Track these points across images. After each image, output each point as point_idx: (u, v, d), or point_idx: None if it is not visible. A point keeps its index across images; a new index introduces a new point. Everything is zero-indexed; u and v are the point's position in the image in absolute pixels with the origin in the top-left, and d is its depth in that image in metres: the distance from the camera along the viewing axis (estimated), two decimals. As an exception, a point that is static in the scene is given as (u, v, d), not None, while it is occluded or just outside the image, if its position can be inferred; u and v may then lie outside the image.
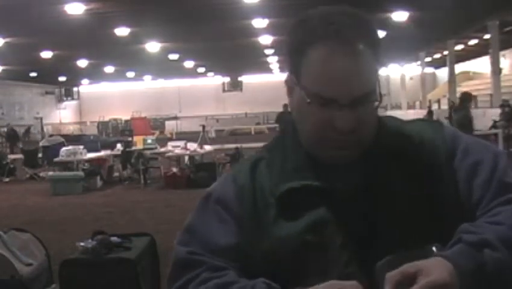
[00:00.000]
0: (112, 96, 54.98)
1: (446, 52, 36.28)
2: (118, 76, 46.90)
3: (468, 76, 43.98)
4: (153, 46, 29.67)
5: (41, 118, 47.06)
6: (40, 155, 16.37)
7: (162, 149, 15.42)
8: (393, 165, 1.06)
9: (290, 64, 1.09)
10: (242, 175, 1.12)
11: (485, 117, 24.94)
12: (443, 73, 47.43)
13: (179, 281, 1.07)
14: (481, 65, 40.28)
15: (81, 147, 14.49)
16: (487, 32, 28.57)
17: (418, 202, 1.05)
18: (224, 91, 54.51)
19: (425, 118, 1.22)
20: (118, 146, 15.56)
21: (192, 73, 47.09)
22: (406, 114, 37.35)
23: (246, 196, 1.09)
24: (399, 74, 48.42)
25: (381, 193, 1.04)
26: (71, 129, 46.02)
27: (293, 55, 1.07)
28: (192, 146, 14.60)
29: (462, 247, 0.95)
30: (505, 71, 34.69)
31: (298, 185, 1.05)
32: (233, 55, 34.97)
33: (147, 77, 51.57)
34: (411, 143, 1.10)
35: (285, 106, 18.35)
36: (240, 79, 52.56)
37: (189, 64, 40.68)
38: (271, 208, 1.07)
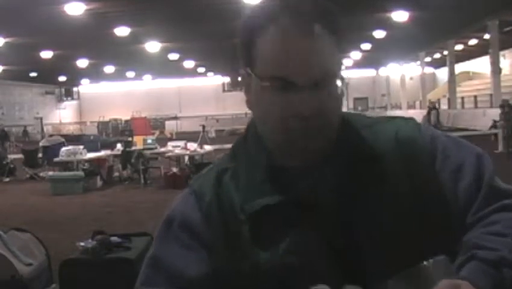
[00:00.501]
0: (112, 96, 54.98)
1: (446, 52, 36.30)
2: (118, 76, 46.91)
3: (468, 76, 44.00)
4: (153, 46, 29.67)
5: (41, 118, 47.06)
6: (40, 155, 16.36)
7: (162, 149, 15.41)
8: (373, 168, 0.97)
9: (244, 56, 1.00)
10: (206, 192, 1.00)
11: (485, 117, 24.96)
12: (442, 73, 47.44)
13: None
14: (481, 65, 40.28)
15: (81, 147, 14.48)
16: (486, 32, 28.58)
17: (403, 208, 0.96)
18: (224, 91, 54.52)
19: (399, 116, 1.11)
20: (118, 146, 15.55)
21: (192, 73, 47.11)
22: (406, 114, 37.34)
23: (214, 217, 0.98)
24: (399, 74, 48.44)
25: (362, 200, 0.95)
26: (71, 129, 46.02)
27: (246, 45, 0.98)
28: (192, 146, 14.59)
29: (479, 265, 0.88)
30: (505, 71, 34.68)
31: (274, 202, 0.94)
32: (233, 54, 34.96)
33: (147, 77, 51.58)
34: (389, 143, 1.01)
35: None
36: (240, 79, 52.52)
37: (189, 64, 40.69)
38: (244, 227, 0.95)
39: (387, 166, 0.98)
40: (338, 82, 0.97)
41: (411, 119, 1.09)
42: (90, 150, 14.77)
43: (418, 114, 31.66)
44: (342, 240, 0.94)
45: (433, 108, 31.53)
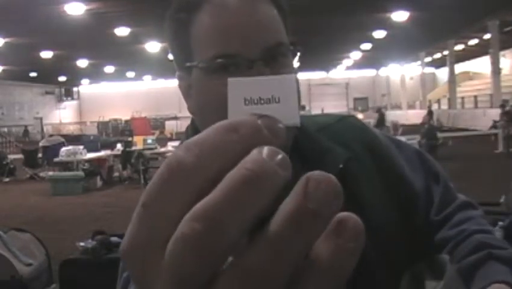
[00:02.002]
0: (112, 96, 54.99)
1: (446, 52, 36.29)
2: (118, 76, 46.91)
3: (468, 76, 44.00)
4: (153, 46, 29.68)
5: (41, 118, 47.04)
6: (40, 155, 16.36)
7: (162, 149, 15.41)
8: (342, 172, 0.90)
9: (181, 47, 0.87)
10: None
11: (485, 117, 24.96)
12: (443, 73, 47.45)
13: None
14: (481, 65, 40.29)
15: (81, 147, 14.48)
16: (487, 32, 28.58)
17: (378, 206, 0.93)
18: (224, 91, 54.49)
19: (343, 115, 1.05)
20: (118, 146, 15.55)
21: (192, 73, 47.12)
22: (407, 114, 37.41)
23: None
24: (399, 74, 48.44)
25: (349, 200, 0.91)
26: (71, 129, 46.01)
27: (181, 31, 0.86)
28: (192, 146, 14.60)
29: (500, 265, 0.86)
30: (505, 71, 34.69)
31: None
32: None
33: (147, 77, 51.58)
34: (351, 142, 0.95)
35: None
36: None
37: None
38: None
39: (353, 171, 0.92)
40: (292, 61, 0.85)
41: (356, 117, 1.05)
42: (90, 150, 14.77)
43: (418, 114, 31.69)
44: None
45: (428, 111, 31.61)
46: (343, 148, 0.93)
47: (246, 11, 0.82)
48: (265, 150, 0.27)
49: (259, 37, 0.81)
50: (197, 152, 0.28)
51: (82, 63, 36.47)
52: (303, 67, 39.21)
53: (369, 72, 52.22)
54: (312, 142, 0.92)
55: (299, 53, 0.86)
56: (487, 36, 29.02)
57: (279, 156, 0.27)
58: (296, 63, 0.86)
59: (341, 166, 0.90)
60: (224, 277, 0.27)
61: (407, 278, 0.87)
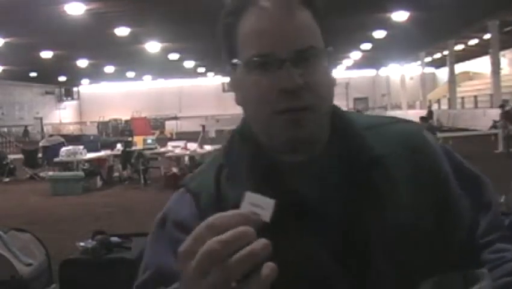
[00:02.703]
0: (112, 96, 54.99)
1: (446, 52, 36.30)
2: (118, 76, 46.91)
3: (468, 76, 44.01)
4: (153, 46, 29.67)
5: (41, 118, 47.05)
6: (40, 155, 16.36)
7: (162, 149, 15.41)
8: (370, 171, 0.94)
9: (227, 46, 0.97)
10: (203, 190, 0.98)
11: (485, 117, 24.97)
12: (443, 73, 47.46)
13: None
14: (481, 65, 40.29)
15: (81, 147, 14.48)
16: (487, 32, 28.58)
17: (401, 218, 0.93)
18: (224, 91, 54.51)
19: (403, 119, 1.08)
20: (118, 146, 15.55)
21: (192, 73, 47.10)
22: (406, 114, 37.39)
23: (210, 214, 0.86)
24: (399, 74, 48.44)
25: (360, 200, 0.92)
26: (71, 129, 46.01)
27: (228, 32, 0.97)
28: (192, 146, 14.58)
29: None
30: (505, 71, 34.69)
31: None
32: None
33: (147, 77, 51.59)
34: (396, 147, 0.97)
35: None
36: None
37: (189, 64, 40.69)
38: None
39: (389, 171, 0.94)
40: (326, 62, 0.94)
41: (415, 122, 1.07)
42: (90, 150, 14.77)
43: (418, 114, 31.66)
44: (336, 241, 0.91)
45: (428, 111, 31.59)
46: (384, 148, 0.96)
47: (281, 17, 0.91)
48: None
49: (290, 40, 0.90)
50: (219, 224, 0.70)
51: (82, 63, 36.47)
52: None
53: (369, 72, 52.22)
54: (353, 139, 0.97)
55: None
56: (487, 36, 29.02)
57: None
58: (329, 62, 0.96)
59: (371, 164, 0.95)
60: None
61: (429, 285, 0.86)
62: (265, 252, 0.66)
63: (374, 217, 0.92)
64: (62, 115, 54.70)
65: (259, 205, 0.70)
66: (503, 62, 36.46)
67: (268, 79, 0.90)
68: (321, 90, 0.91)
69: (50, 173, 14.25)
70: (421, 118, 17.91)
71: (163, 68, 41.29)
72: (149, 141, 16.15)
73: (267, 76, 0.90)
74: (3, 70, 37.02)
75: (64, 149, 14.23)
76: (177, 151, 14.61)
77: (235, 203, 0.76)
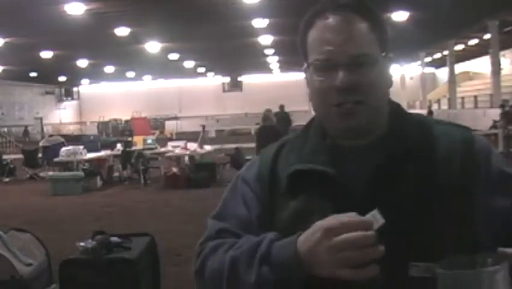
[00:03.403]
0: (112, 96, 54.98)
1: (446, 52, 36.30)
2: (118, 76, 46.91)
3: (468, 76, 44.00)
4: (153, 46, 29.67)
5: (41, 118, 47.06)
6: (40, 155, 16.36)
7: (162, 149, 15.42)
8: (408, 160, 1.10)
9: (302, 50, 1.18)
10: (266, 157, 1.24)
11: (485, 117, 24.95)
12: (443, 73, 47.46)
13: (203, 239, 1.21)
14: (481, 65, 40.28)
15: (81, 147, 14.48)
16: (487, 32, 28.58)
17: (425, 205, 1.06)
18: (224, 91, 54.52)
19: (457, 124, 1.26)
20: (118, 146, 15.56)
21: (192, 73, 47.10)
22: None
23: (265, 176, 1.21)
24: (399, 74, 48.44)
25: (389, 187, 1.08)
26: (71, 129, 46.02)
27: (302, 41, 1.18)
28: (192, 146, 14.60)
29: None
30: (505, 71, 34.68)
31: (304, 167, 1.14)
32: (233, 55, 34.99)
33: (147, 77, 51.58)
34: (435, 144, 1.13)
35: (281, 106, 18.38)
36: (239, 79, 52.57)
37: (189, 64, 40.69)
38: (282, 187, 1.17)
39: (424, 163, 1.10)
40: (380, 66, 1.13)
41: (467, 128, 1.24)
42: (90, 150, 14.77)
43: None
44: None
45: (428, 111, 31.59)
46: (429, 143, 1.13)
47: (340, 28, 1.11)
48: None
49: (345, 48, 1.10)
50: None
51: (82, 63, 36.47)
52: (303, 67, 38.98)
53: (369, 72, 52.20)
54: (402, 134, 1.14)
55: (391, 59, 1.19)
56: (487, 36, 29.01)
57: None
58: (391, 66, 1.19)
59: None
60: None
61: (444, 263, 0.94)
62: (377, 254, 0.95)
63: (388, 196, 1.07)
64: (62, 115, 54.70)
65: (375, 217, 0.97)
66: (505, 62, 36.48)
67: (327, 79, 1.11)
68: (372, 89, 1.10)
69: (50, 173, 14.26)
70: (429, 112, 18.11)
71: (163, 68, 41.29)
72: (149, 141, 16.16)
73: (327, 77, 1.11)
74: (3, 70, 37.03)
75: (64, 149, 14.23)
76: (177, 151, 14.62)
77: (283, 168, 1.18)
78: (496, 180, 1.11)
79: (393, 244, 0.98)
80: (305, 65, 1.18)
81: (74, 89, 55.48)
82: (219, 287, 1.09)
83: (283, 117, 17.38)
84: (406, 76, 48.44)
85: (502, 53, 31.33)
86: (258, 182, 1.21)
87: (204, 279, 1.14)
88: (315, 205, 1.09)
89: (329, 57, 1.10)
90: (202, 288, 1.16)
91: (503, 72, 30.95)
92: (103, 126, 41.66)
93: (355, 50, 1.10)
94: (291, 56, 33.96)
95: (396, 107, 1.19)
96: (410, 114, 1.20)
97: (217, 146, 16.84)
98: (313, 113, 1.24)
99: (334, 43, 1.10)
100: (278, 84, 50.87)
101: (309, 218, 1.04)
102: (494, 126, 20.23)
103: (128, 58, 34.54)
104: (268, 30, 26.06)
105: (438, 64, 46.62)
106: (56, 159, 13.96)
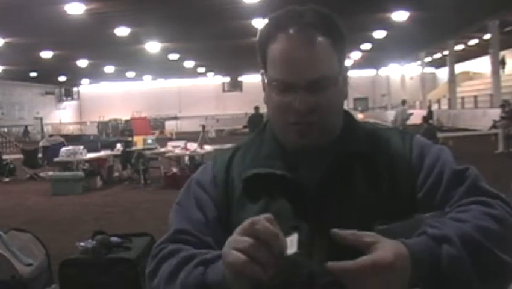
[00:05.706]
0: (112, 96, 54.97)
1: (446, 52, 36.30)
2: (118, 76, 46.91)
3: (468, 76, 43.97)
4: (153, 46, 29.67)
5: (41, 118, 47.07)
6: (40, 155, 16.35)
7: (162, 149, 15.40)
8: (357, 164, 1.15)
9: (261, 59, 1.18)
10: (220, 160, 1.26)
11: (485, 117, 24.95)
12: (443, 73, 47.43)
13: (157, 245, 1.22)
14: (481, 65, 40.27)
15: (81, 147, 14.47)
16: (487, 32, 28.58)
17: (373, 202, 1.11)
18: (224, 91, 54.52)
19: (400, 129, 1.30)
20: (118, 146, 15.54)
21: (192, 73, 47.09)
22: (406, 114, 37.32)
23: (220, 179, 1.23)
24: (399, 74, 48.44)
25: (340, 189, 1.12)
26: (71, 129, 46.04)
27: (261, 49, 1.17)
28: (192, 146, 14.58)
29: (423, 238, 0.99)
30: (507, 71, 34.68)
31: (262, 172, 1.16)
32: (233, 55, 34.97)
33: (147, 77, 51.57)
34: (377, 148, 1.18)
35: (256, 108, 18.22)
36: (239, 79, 52.56)
37: (189, 64, 40.68)
38: (238, 190, 1.19)
39: (369, 165, 1.15)
40: (339, 84, 1.15)
41: (408, 132, 1.25)
42: (90, 150, 14.76)
43: (418, 114, 31.62)
44: (311, 215, 1.11)
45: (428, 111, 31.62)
46: (373, 148, 1.18)
47: (301, 50, 1.11)
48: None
49: (305, 71, 1.10)
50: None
51: (82, 63, 36.46)
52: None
53: (369, 72, 52.18)
54: (349, 140, 1.19)
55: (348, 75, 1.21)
56: (487, 36, 29.01)
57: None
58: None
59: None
60: None
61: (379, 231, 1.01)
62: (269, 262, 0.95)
63: (340, 193, 1.12)
64: (62, 115, 54.69)
65: (292, 242, 0.97)
66: (509, 62, 36.46)
67: (286, 99, 1.12)
68: (330, 109, 1.13)
69: (50, 173, 14.24)
70: (424, 117, 18.73)
71: (163, 68, 41.29)
72: (149, 141, 16.13)
73: (285, 96, 1.12)
74: (3, 70, 37.03)
75: (64, 149, 14.22)
76: (177, 151, 14.61)
77: (241, 175, 1.19)
78: (426, 178, 1.14)
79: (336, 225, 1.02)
80: (262, 70, 1.19)
81: (74, 89, 55.46)
82: None
83: (257, 118, 16.86)
84: (406, 76, 48.43)
85: (502, 53, 31.31)
86: (213, 185, 1.23)
87: (154, 282, 1.14)
88: (274, 208, 1.11)
89: (289, 80, 1.11)
90: None
91: (507, 72, 30.94)
92: (103, 126, 41.66)
93: (315, 73, 1.10)
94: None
95: (346, 115, 1.23)
96: (359, 121, 1.25)
97: (217, 146, 16.81)
98: None
99: (295, 65, 1.10)
100: (278, 84, 50.78)
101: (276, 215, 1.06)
102: (494, 126, 20.23)
103: (127, 58, 34.54)
104: (268, 30, 26.05)
105: (438, 64, 46.61)
106: (56, 159, 13.94)
